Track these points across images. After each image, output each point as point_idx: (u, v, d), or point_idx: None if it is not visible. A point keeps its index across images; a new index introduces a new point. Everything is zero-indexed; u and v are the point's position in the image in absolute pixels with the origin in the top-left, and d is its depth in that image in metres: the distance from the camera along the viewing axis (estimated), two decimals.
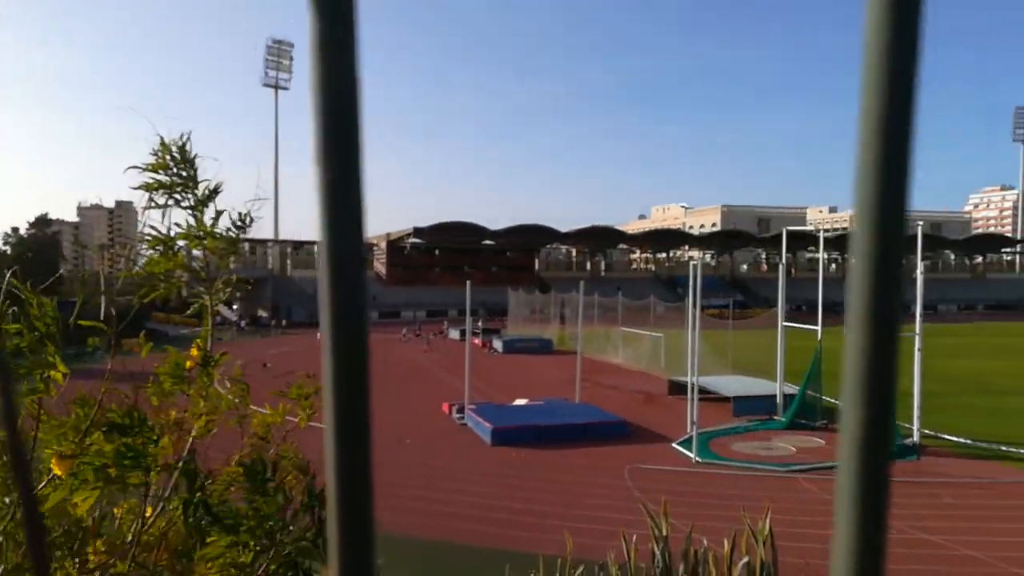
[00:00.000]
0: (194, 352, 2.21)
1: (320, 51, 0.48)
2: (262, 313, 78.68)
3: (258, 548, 2.06)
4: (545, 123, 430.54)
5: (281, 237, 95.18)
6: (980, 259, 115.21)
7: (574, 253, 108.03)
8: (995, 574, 13.94)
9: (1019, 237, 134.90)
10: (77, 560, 2.09)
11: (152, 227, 2.21)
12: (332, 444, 0.49)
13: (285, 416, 2.40)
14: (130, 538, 2.15)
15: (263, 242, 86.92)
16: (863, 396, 0.46)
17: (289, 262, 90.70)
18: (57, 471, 1.94)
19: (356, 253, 0.50)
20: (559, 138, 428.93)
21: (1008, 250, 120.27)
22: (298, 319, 76.91)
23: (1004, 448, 23.10)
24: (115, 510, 2.19)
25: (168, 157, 2.12)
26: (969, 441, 24.00)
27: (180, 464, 2.08)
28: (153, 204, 2.16)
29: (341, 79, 0.48)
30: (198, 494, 2.03)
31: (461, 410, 28.30)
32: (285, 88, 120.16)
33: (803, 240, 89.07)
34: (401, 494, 18.53)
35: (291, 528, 2.11)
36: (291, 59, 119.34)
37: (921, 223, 27.63)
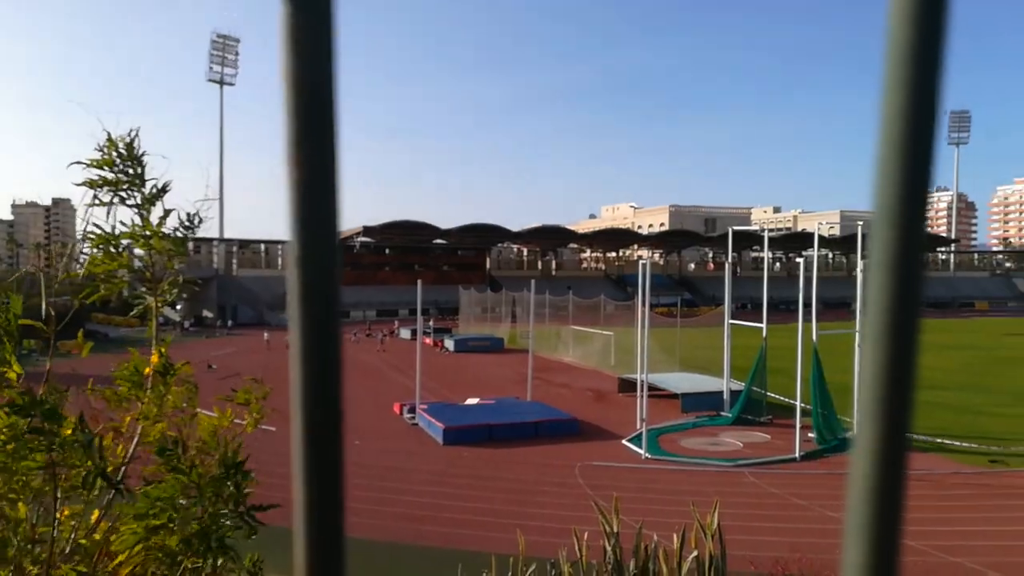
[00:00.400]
0: (155, 359, 2.16)
1: (293, 42, 0.45)
2: (207, 313, 76.92)
3: (173, 527, 2.03)
4: (495, 122, 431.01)
5: (226, 236, 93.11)
6: None
7: (525, 252, 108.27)
8: (928, 562, 14.46)
9: (953, 237, 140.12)
10: (12, 568, 2.02)
11: (96, 225, 2.14)
12: (301, 449, 0.48)
13: (232, 420, 2.36)
14: (70, 545, 2.09)
15: (208, 241, 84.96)
16: (880, 409, 0.44)
17: (235, 261, 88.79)
18: None
19: (330, 257, 0.48)
20: (510, 137, 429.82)
21: (943, 249, 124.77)
22: (244, 319, 75.45)
23: (940, 440, 23.98)
24: (59, 515, 2.13)
25: (115, 153, 2.06)
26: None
27: (76, 433, 2.02)
28: (97, 202, 2.10)
29: (315, 72, 0.46)
30: (95, 462, 1.98)
31: (412, 410, 28.14)
32: (231, 84, 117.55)
33: (748, 240, 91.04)
34: (351, 495, 18.26)
35: (204, 503, 2.08)
36: (237, 54, 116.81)
37: (861, 223, 28.47)
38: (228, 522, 2.04)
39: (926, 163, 0.43)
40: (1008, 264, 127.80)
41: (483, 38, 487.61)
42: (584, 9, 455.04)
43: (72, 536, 2.09)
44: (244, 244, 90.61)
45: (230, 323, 73.53)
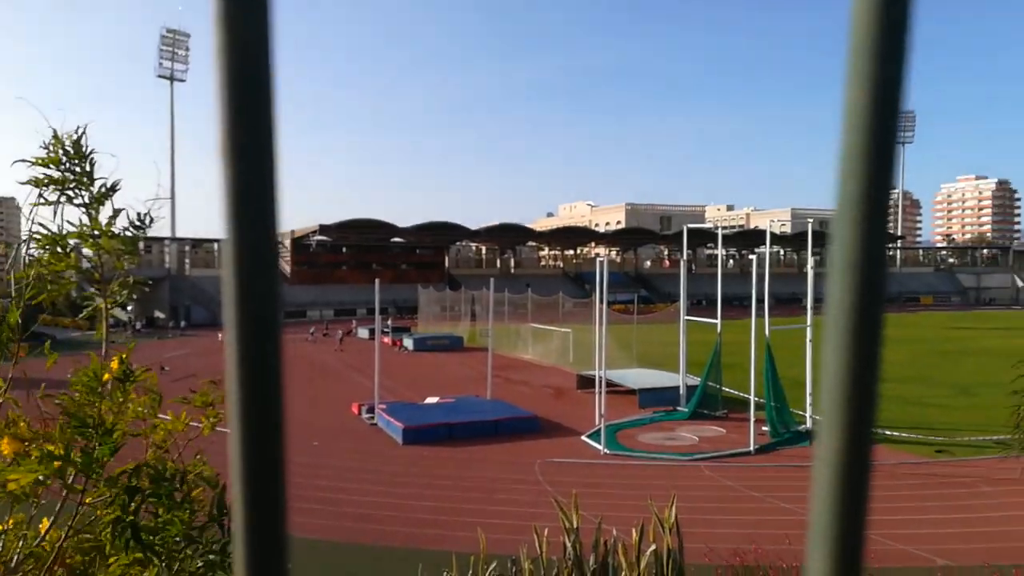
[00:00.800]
0: (115, 365, 2.09)
1: (226, 26, 0.43)
2: (159, 314, 75.23)
3: (164, 564, 1.98)
4: (452, 120, 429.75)
5: (178, 235, 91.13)
6: None
7: (484, 250, 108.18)
8: (879, 550, 14.85)
9: (899, 234, 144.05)
10: None
11: (42, 225, 2.07)
12: (239, 452, 0.46)
13: (188, 424, 2.31)
14: (17, 556, 2.03)
15: (159, 240, 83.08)
16: (845, 410, 0.43)
17: (187, 261, 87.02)
18: (4, 450, 1.86)
19: (268, 254, 0.46)
20: (468, 136, 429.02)
21: (890, 246, 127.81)
22: (198, 320, 73.96)
23: (887, 432, 24.64)
24: (2, 525, 2.05)
25: (61, 151, 1.99)
26: None
27: (121, 476, 1.97)
28: (43, 201, 2.03)
29: (251, 59, 0.43)
30: (130, 516, 1.92)
31: (371, 410, 27.92)
32: (181, 80, 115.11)
33: (702, 237, 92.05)
34: (310, 497, 18.12)
35: (199, 544, 2.04)
36: (187, 49, 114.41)
37: (811, 220, 29.09)
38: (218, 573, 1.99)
39: (888, 162, 0.42)
40: (951, 260, 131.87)
41: (440, 34, 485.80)
42: (541, 7, 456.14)
43: (20, 546, 2.03)
44: (197, 243, 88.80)
45: (183, 324, 72.05)
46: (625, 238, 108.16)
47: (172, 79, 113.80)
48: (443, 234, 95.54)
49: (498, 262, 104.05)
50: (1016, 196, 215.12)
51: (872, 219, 0.42)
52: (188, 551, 1.98)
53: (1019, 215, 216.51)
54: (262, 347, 0.46)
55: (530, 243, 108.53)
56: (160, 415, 2.30)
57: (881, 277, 0.43)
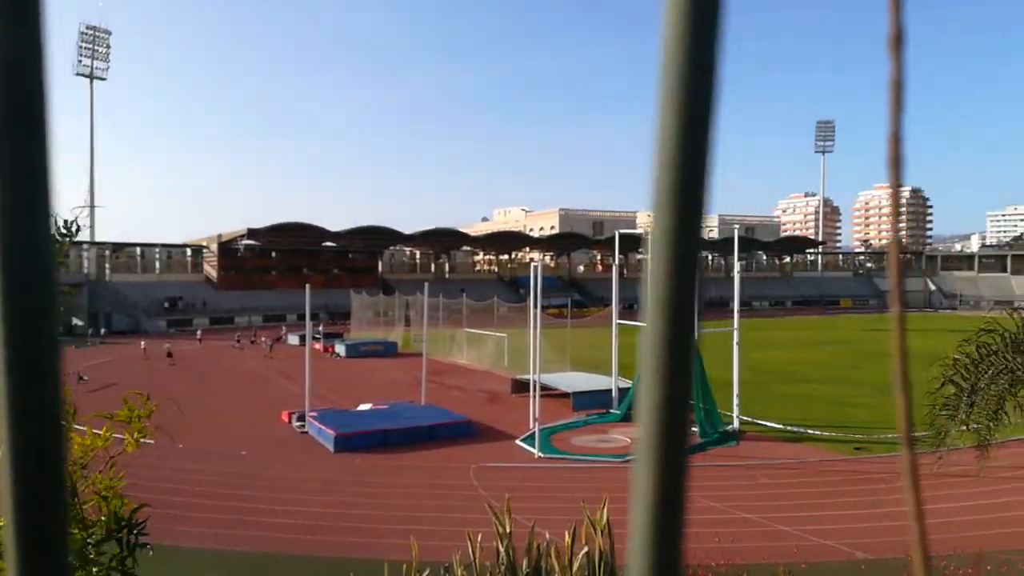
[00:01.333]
0: None
1: None
2: (77, 321, 72.07)
3: None
4: (389, 125, 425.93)
5: (98, 238, 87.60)
6: (788, 259, 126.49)
7: (418, 255, 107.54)
8: (802, 545, 15.38)
9: (820, 239, 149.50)
10: None
11: None
12: (11, 486, 0.42)
13: (110, 439, 2.24)
14: None
15: (78, 244, 79.66)
16: (658, 416, 0.43)
17: (108, 266, 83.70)
18: None
19: (42, 261, 0.43)
20: (403, 140, 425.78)
21: (811, 251, 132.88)
22: (119, 327, 71.21)
23: (811, 431, 25.53)
24: None
25: None
26: (781, 426, 26.32)
27: None
28: None
29: (22, 66, 0.42)
30: None
31: (302, 418, 27.38)
32: (102, 78, 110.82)
33: (634, 242, 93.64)
34: (238, 508, 17.67)
35: (93, 560, 1.97)
36: (108, 47, 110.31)
37: (737, 227, 29.96)
38: None
39: (701, 177, 0.42)
40: (869, 264, 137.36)
41: (375, 39, 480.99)
42: (476, 13, 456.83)
43: None
44: (118, 247, 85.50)
45: (103, 331, 69.20)
46: (559, 243, 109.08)
47: (92, 77, 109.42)
48: (376, 238, 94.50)
49: (432, 267, 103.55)
50: (928, 204, 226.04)
51: (685, 237, 0.42)
52: (85, 569, 1.91)
53: (931, 222, 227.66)
54: (36, 361, 0.43)
55: (465, 248, 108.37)
56: (76, 427, 2.22)
57: (689, 298, 0.42)
